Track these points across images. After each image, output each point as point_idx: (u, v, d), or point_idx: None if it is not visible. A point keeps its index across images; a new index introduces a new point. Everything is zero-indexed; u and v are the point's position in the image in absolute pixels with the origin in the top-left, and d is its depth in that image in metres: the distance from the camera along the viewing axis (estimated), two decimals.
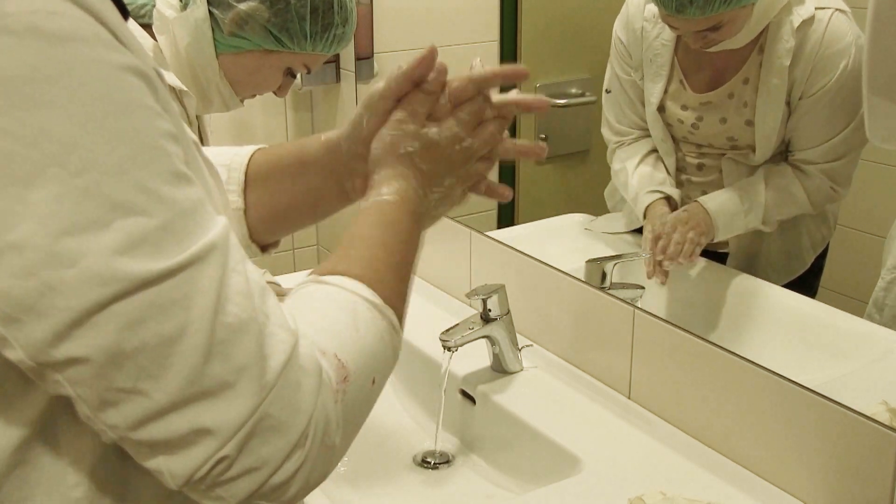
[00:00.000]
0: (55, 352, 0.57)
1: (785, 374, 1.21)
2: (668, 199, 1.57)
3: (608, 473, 1.26)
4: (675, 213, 1.52)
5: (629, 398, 1.43)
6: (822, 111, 1.45)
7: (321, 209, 0.96)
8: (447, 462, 1.43)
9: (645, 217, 1.58)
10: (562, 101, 1.96)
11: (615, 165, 1.67)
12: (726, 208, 1.50)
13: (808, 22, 1.41)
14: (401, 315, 0.77)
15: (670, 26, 1.48)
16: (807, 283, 1.47)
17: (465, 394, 1.50)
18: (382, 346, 0.73)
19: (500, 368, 1.53)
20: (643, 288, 1.54)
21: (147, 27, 1.49)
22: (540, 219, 1.90)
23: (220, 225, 0.62)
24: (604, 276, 1.55)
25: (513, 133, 2.03)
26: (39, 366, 0.58)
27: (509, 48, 2.00)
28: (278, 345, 0.63)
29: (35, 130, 0.55)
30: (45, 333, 0.56)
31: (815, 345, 1.35)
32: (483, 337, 1.48)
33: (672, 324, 1.36)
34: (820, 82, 1.43)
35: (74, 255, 0.55)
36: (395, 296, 0.76)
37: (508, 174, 2.04)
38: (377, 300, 0.74)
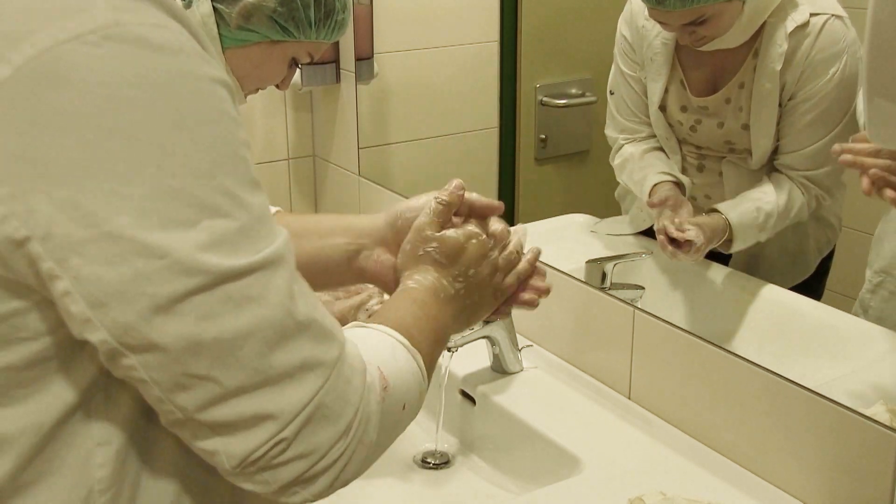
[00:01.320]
0: (138, 335, 0.61)
1: (785, 375, 1.21)
2: (677, 184, 1.56)
3: (608, 473, 1.26)
4: (695, 219, 1.50)
5: (629, 398, 1.43)
6: (807, 115, 1.45)
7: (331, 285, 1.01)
8: (447, 462, 1.43)
9: (650, 195, 1.57)
10: (562, 102, 1.96)
11: (618, 160, 1.67)
12: (746, 221, 1.49)
13: (802, 27, 1.41)
14: (426, 371, 0.84)
15: (659, 22, 1.48)
16: (811, 287, 1.47)
17: (465, 394, 1.51)
18: (413, 380, 0.81)
19: (500, 369, 1.53)
20: (643, 288, 1.54)
21: None
22: (540, 219, 1.90)
23: (285, 234, 0.68)
24: (604, 276, 1.55)
25: (513, 133, 2.05)
26: (120, 346, 0.62)
27: (509, 48, 2.00)
28: (333, 342, 0.70)
29: (137, 133, 0.60)
30: (130, 318, 0.61)
31: (816, 345, 1.35)
32: (483, 337, 1.48)
33: (672, 324, 1.36)
34: (808, 86, 1.43)
35: (164, 248, 0.60)
36: (422, 351, 0.85)
37: (509, 174, 2.04)
38: (408, 344, 0.83)
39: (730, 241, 1.49)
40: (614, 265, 1.55)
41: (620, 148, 1.67)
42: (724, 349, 1.28)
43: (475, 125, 2.01)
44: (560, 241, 1.81)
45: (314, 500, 0.72)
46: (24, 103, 0.58)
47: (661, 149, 1.62)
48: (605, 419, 1.40)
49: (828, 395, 1.15)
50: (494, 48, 2.00)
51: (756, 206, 1.50)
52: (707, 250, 1.49)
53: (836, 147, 1.26)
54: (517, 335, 1.53)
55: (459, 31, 1.98)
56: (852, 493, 1.13)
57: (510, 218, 2.01)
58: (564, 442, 1.33)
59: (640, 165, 1.62)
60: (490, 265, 0.99)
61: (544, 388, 1.49)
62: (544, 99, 1.97)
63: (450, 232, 0.97)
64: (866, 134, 0.79)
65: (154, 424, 0.70)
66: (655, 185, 1.57)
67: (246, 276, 0.63)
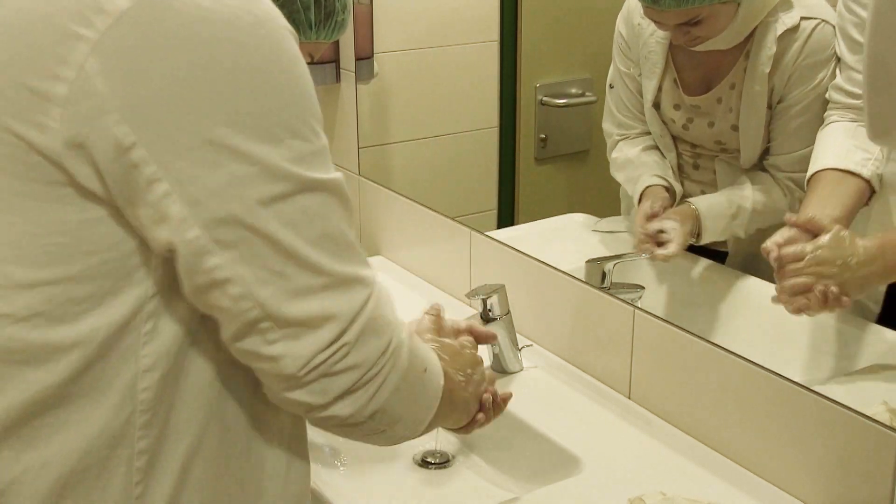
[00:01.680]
0: (229, 231, 0.70)
1: (785, 374, 1.21)
2: (669, 189, 1.57)
3: (608, 473, 1.26)
4: (666, 213, 1.53)
5: (629, 398, 1.43)
6: (795, 120, 1.45)
7: None
8: (447, 462, 1.43)
9: (641, 199, 1.59)
10: (562, 101, 1.97)
11: (614, 154, 1.67)
12: (714, 212, 1.51)
13: (792, 30, 1.42)
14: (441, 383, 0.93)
15: (654, 21, 1.49)
16: None
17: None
18: (436, 369, 0.91)
19: (500, 368, 1.52)
20: (643, 288, 1.54)
21: None
22: (540, 219, 1.90)
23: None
24: (604, 276, 1.55)
25: (513, 133, 2.05)
26: (211, 242, 0.70)
27: (509, 48, 2.00)
28: (370, 267, 0.80)
29: (239, 59, 0.69)
30: (223, 214, 0.70)
31: (816, 345, 1.35)
32: None
33: (672, 324, 1.36)
34: (797, 91, 1.44)
35: (256, 156, 0.69)
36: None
37: (508, 174, 2.04)
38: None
39: (700, 233, 1.51)
40: (614, 265, 1.55)
41: (616, 144, 1.68)
42: (724, 349, 1.28)
43: (475, 125, 2.01)
44: (560, 241, 1.81)
45: (350, 418, 0.80)
46: (141, 28, 0.65)
47: (656, 148, 1.63)
48: (605, 419, 1.40)
49: (828, 395, 1.15)
50: (494, 48, 1.99)
51: (728, 198, 1.52)
52: (685, 242, 1.50)
53: (766, 246, 1.29)
54: (517, 335, 1.53)
55: (459, 31, 1.98)
56: (852, 493, 1.13)
57: (510, 218, 2.01)
58: (564, 442, 1.33)
59: (636, 165, 1.63)
60: (481, 373, 1.08)
61: (544, 388, 1.49)
62: (544, 99, 1.97)
63: (447, 339, 1.10)
64: (867, 133, 0.79)
65: (191, 359, 0.76)
66: (647, 187, 1.59)
67: (318, 190, 0.73)
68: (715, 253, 1.59)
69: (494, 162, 2.01)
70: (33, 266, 0.70)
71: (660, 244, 1.50)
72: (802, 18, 1.42)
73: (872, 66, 0.74)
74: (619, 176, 1.67)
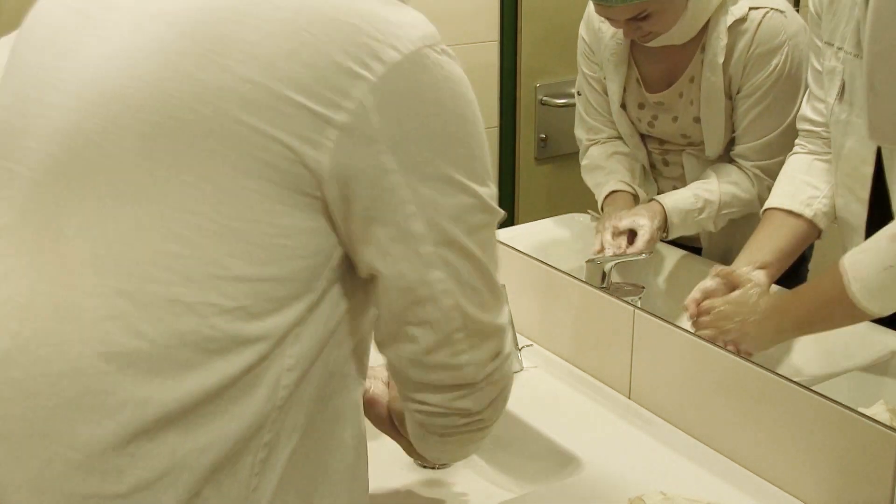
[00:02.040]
0: (455, 247, 0.83)
1: (785, 374, 1.21)
2: (634, 196, 1.62)
3: (608, 473, 1.26)
4: (634, 209, 1.56)
5: (629, 398, 1.43)
6: (755, 108, 1.49)
7: None
8: (447, 462, 1.43)
9: (604, 203, 1.63)
10: (562, 101, 1.97)
11: (584, 161, 1.71)
12: (681, 206, 1.54)
13: (741, 20, 1.46)
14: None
15: (606, 19, 1.53)
16: (791, 275, 1.47)
17: None
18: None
19: None
20: (643, 288, 1.54)
21: None
22: (540, 219, 1.90)
23: None
24: (604, 276, 1.55)
25: (513, 133, 2.05)
26: (438, 259, 0.82)
27: (509, 48, 2.00)
28: None
29: (466, 115, 0.83)
30: (450, 235, 0.82)
31: (815, 344, 1.35)
32: None
33: (672, 324, 1.36)
34: (753, 79, 1.48)
35: (475, 191, 0.83)
36: None
37: (509, 173, 2.04)
38: None
39: (668, 229, 1.54)
40: (614, 265, 1.55)
41: (587, 150, 1.72)
42: (724, 348, 1.28)
43: None
44: (560, 241, 1.81)
45: (485, 423, 0.94)
46: (406, 79, 0.78)
47: (624, 154, 1.67)
48: (605, 419, 1.40)
49: (828, 395, 1.15)
50: (494, 48, 2.00)
51: (693, 192, 1.55)
52: (655, 238, 1.53)
53: (686, 303, 1.39)
54: (517, 335, 1.53)
55: (459, 31, 1.98)
56: (852, 493, 1.13)
57: (510, 218, 2.01)
58: (564, 441, 1.33)
59: (604, 170, 1.67)
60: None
61: (544, 388, 1.49)
62: (544, 98, 1.97)
63: None
64: (867, 133, 0.79)
65: (316, 366, 0.83)
66: (611, 192, 1.63)
67: (495, 224, 0.87)
68: (691, 248, 1.62)
69: (494, 162, 2.01)
70: (253, 262, 0.78)
71: (630, 243, 1.53)
72: (751, 8, 1.46)
73: (873, 67, 0.74)
74: (588, 181, 1.71)
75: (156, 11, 0.81)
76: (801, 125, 1.42)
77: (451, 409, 0.91)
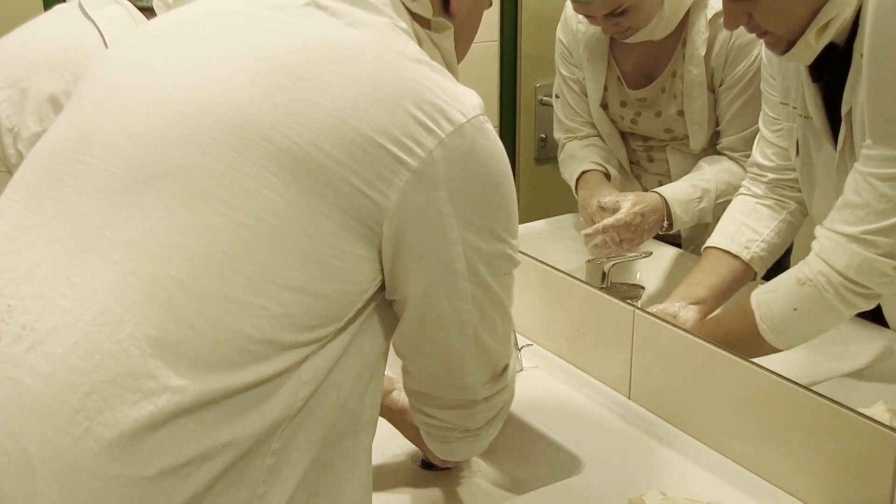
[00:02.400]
0: (486, 287, 0.96)
1: (785, 375, 1.21)
2: (605, 174, 1.65)
3: (608, 473, 1.26)
4: (633, 203, 1.56)
5: (629, 398, 1.43)
6: (738, 99, 1.52)
7: None
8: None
9: (578, 185, 1.67)
10: None
11: (561, 156, 1.74)
12: (680, 197, 1.56)
13: (721, 13, 1.45)
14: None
15: (585, 17, 1.55)
16: (775, 268, 1.48)
17: None
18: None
19: None
20: (643, 288, 1.54)
21: (146, 10, 1.48)
22: (540, 219, 1.90)
23: None
24: (604, 276, 1.55)
25: (513, 133, 2.04)
26: (470, 294, 0.94)
27: (509, 48, 2.00)
28: None
29: (503, 183, 0.94)
30: (486, 275, 0.95)
31: (815, 345, 1.35)
32: None
33: (672, 324, 1.36)
34: (734, 71, 1.50)
35: (508, 243, 0.96)
36: None
37: None
38: None
39: (671, 220, 1.56)
40: (614, 265, 1.55)
41: (563, 147, 1.75)
42: (724, 348, 1.28)
43: None
44: (560, 241, 1.81)
45: (480, 446, 1.12)
46: (466, 140, 0.89)
47: (600, 146, 1.69)
48: (605, 419, 1.40)
49: (828, 395, 1.15)
50: (494, 48, 2.00)
51: (691, 183, 1.58)
52: (651, 231, 1.55)
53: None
54: (517, 335, 1.53)
55: None
56: (852, 493, 1.13)
57: None
58: (564, 441, 1.33)
59: (576, 158, 1.69)
60: None
61: (544, 388, 1.49)
62: (544, 99, 1.97)
63: None
64: (867, 133, 0.79)
65: (326, 387, 0.88)
66: (584, 172, 1.65)
67: (513, 270, 0.99)
68: (671, 243, 1.64)
69: None
70: (306, 275, 0.84)
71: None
72: None
73: (873, 69, 0.74)
74: (563, 173, 1.73)
75: (248, 48, 0.90)
76: (750, 169, 1.47)
77: (451, 423, 1.06)
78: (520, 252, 1.00)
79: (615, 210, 1.55)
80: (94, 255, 0.84)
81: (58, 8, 1.51)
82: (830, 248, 1.20)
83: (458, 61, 1.09)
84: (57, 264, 0.85)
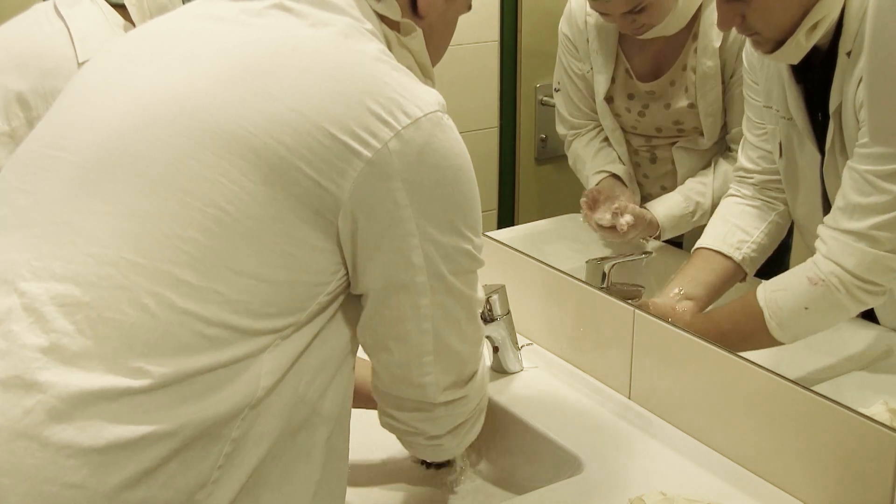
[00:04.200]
0: (444, 282, 0.96)
1: (785, 375, 1.21)
2: (615, 176, 1.66)
3: (608, 473, 1.26)
4: (629, 226, 1.58)
5: (629, 398, 1.43)
6: None
7: None
8: (447, 462, 1.43)
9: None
10: None
11: (570, 158, 1.75)
12: (673, 213, 1.59)
13: None
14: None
15: (600, 13, 1.55)
16: (773, 267, 1.50)
17: None
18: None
19: (500, 368, 1.53)
20: (643, 288, 1.54)
21: (117, 7, 1.48)
22: (540, 219, 1.90)
23: None
24: (604, 276, 1.55)
25: (513, 134, 2.04)
26: (430, 288, 0.95)
27: (509, 48, 2.00)
28: None
29: (465, 179, 0.96)
30: (444, 271, 0.95)
31: (815, 345, 1.35)
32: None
33: (672, 324, 1.36)
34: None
35: (470, 240, 0.97)
36: None
37: (509, 174, 2.04)
38: None
39: (659, 234, 1.60)
40: (614, 265, 1.55)
41: (570, 145, 1.75)
42: (724, 348, 1.28)
43: (475, 125, 2.01)
44: (560, 241, 1.81)
45: (446, 453, 1.12)
46: (424, 132, 0.91)
47: (607, 143, 1.69)
48: (605, 419, 1.40)
49: (828, 395, 1.15)
50: (494, 48, 1.99)
51: (684, 196, 1.59)
52: (636, 235, 1.58)
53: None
54: (517, 335, 1.53)
55: (459, 31, 1.97)
56: (853, 492, 1.13)
57: (510, 218, 2.01)
58: (564, 441, 1.33)
59: (589, 166, 1.70)
60: None
61: (544, 388, 1.49)
62: (544, 99, 1.97)
63: None
64: (867, 134, 0.79)
65: (287, 382, 0.90)
66: (596, 184, 1.67)
67: (477, 270, 1.00)
68: (670, 240, 1.65)
69: (494, 162, 2.01)
70: (261, 263, 0.86)
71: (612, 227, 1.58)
72: None
73: (873, 68, 0.74)
74: (579, 174, 1.74)
75: (217, 49, 0.94)
76: (736, 172, 1.49)
77: (413, 428, 1.06)
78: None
79: (614, 224, 1.57)
80: (56, 240, 0.87)
81: (35, 6, 1.52)
82: (839, 249, 1.22)
83: (434, 63, 1.11)
84: (22, 250, 0.88)
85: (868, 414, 1.12)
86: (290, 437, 0.92)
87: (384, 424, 1.08)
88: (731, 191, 1.49)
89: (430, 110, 0.92)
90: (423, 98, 0.92)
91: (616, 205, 1.57)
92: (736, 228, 1.46)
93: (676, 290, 1.46)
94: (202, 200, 0.86)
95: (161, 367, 0.83)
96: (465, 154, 0.95)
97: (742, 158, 1.47)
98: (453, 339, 1.00)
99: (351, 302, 0.96)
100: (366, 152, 0.88)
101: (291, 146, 0.86)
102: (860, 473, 1.12)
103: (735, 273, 1.46)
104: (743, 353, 1.26)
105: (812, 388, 1.18)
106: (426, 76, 1.07)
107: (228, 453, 0.86)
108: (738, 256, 1.45)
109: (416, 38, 1.05)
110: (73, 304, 0.84)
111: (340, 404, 0.98)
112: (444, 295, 0.96)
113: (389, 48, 1.01)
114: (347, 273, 0.93)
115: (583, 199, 1.61)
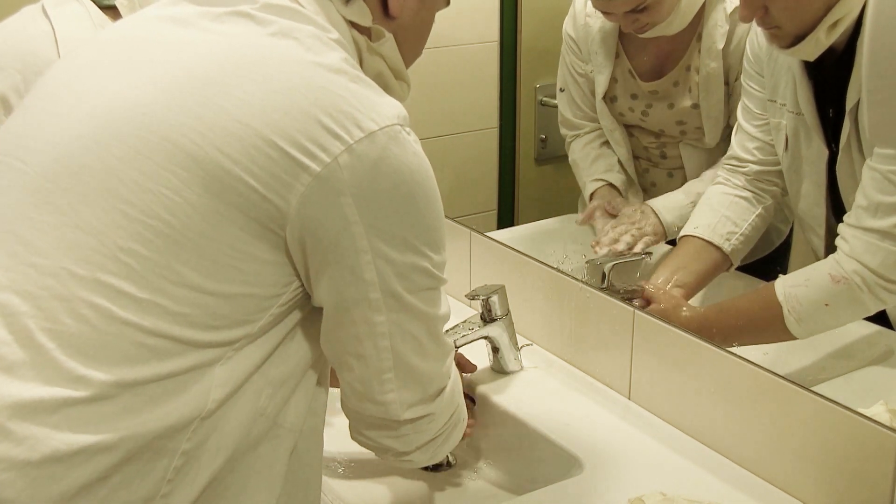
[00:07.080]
0: (397, 300, 0.93)
1: (785, 375, 1.21)
2: (612, 185, 1.67)
3: (608, 473, 1.26)
4: (627, 210, 1.60)
5: (629, 398, 1.43)
6: None
7: None
8: (447, 462, 1.43)
9: (591, 200, 1.69)
10: None
11: (571, 157, 1.75)
12: (672, 205, 1.59)
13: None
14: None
15: (603, 13, 1.55)
16: (772, 267, 1.50)
17: (464, 394, 1.50)
18: (465, 412, 1.16)
19: (499, 369, 1.53)
20: (643, 288, 1.54)
21: (107, 9, 1.48)
22: (540, 219, 1.90)
23: None
24: (603, 276, 1.55)
25: (513, 133, 2.04)
26: (384, 305, 0.93)
27: (509, 48, 2.00)
28: None
29: (428, 195, 0.94)
30: (398, 289, 0.93)
31: (816, 345, 1.35)
32: (482, 337, 1.48)
33: (672, 324, 1.36)
34: None
35: (428, 257, 0.94)
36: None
37: (508, 174, 2.04)
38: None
39: (664, 232, 1.60)
40: (614, 265, 1.55)
41: (569, 145, 1.75)
42: (724, 349, 1.28)
43: (475, 125, 2.01)
44: (560, 241, 1.81)
45: (414, 464, 1.09)
46: (377, 148, 0.88)
47: (606, 143, 1.69)
48: (605, 419, 1.40)
49: (828, 396, 1.15)
50: (494, 48, 1.99)
51: (685, 192, 1.59)
52: (649, 243, 1.59)
53: None
54: (517, 335, 1.53)
55: (459, 30, 1.98)
56: (852, 492, 1.13)
57: (510, 218, 2.01)
58: (564, 441, 1.33)
59: (586, 172, 1.71)
60: (464, 409, 1.17)
61: (544, 388, 1.49)
62: (544, 99, 1.97)
63: None
64: (867, 134, 0.79)
65: (241, 395, 0.90)
66: (593, 192, 1.68)
67: (440, 287, 0.98)
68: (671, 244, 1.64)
69: (494, 162, 2.01)
70: (203, 275, 0.85)
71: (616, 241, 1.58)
72: None
73: (872, 68, 0.74)
74: (577, 179, 1.75)
75: (172, 58, 0.92)
76: (727, 161, 1.49)
77: (381, 445, 1.03)
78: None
79: (616, 240, 1.57)
80: (1, 250, 0.87)
81: (25, 8, 1.52)
82: (862, 248, 1.23)
83: (408, 65, 1.08)
84: None
85: (868, 414, 1.12)
86: (250, 449, 0.91)
87: (355, 440, 1.06)
88: (719, 179, 1.49)
89: (387, 124, 0.89)
90: (380, 111, 0.89)
91: (631, 234, 1.57)
92: (726, 219, 1.46)
93: (667, 277, 1.47)
94: (144, 212, 0.85)
95: (102, 375, 0.82)
96: (423, 169, 0.92)
97: (736, 147, 1.47)
98: (413, 358, 0.97)
99: (315, 314, 0.95)
100: (314, 166, 0.86)
101: (236, 158, 0.85)
102: (860, 473, 1.12)
103: (722, 263, 1.48)
104: (743, 354, 1.26)
105: (812, 388, 1.18)
106: (400, 79, 1.05)
107: (179, 467, 0.86)
108: (727, 248, 1.46)
109: (388, 44, 1.02)
110: (11, 313, 0.83)
111: (305, 417, 0.97)
112: (399, 313, 0.94)
113: (360, 55, 0.99)
114: (303, 284, 0.91)
115: (593, 242, 1.62)
